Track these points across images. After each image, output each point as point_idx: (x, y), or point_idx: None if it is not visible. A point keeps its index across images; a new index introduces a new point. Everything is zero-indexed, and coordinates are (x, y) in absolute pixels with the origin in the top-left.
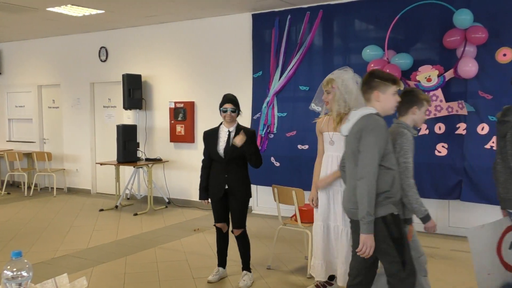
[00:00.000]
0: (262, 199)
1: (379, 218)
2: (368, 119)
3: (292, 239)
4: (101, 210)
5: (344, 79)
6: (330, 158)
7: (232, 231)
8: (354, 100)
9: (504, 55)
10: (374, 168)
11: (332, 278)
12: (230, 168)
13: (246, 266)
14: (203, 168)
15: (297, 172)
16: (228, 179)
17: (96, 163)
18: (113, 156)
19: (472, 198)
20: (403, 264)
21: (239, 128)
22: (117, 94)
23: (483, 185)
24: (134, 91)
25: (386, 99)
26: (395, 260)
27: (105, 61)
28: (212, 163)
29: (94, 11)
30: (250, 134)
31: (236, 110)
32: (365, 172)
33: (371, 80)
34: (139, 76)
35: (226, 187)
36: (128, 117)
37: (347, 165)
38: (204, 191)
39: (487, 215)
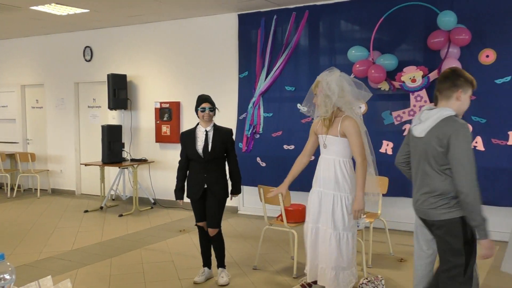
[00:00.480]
0: (248, 199)
1: (458, 218)
2: (455, 124)
3: (278, 239)
4: (86, 211)
5: (329, 81)
6: (323, 161)
7: (207, 231)
8: (338, 99)
9: (487, 56)
10: (475, 174)
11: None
12: (209, 168)
13: (221, 263)
14: (179, 169)
15: (283, 172)
16: (207, 178)
17: (81, 163)
18: (98, 156)
19: None
20: (465, 268)
21: (216, 128)
22: (102, 94)
23: None
24: (119, 91)
25: (466, 100)
26: (460, 262)
27: (89, 60)
28: (190, 164)
29: (78, 10)
30: (227, 133)
31: (213, 108)
32: (469, 180)
33: (456, 78)
34: (124, 76)
35: (205, 186)
36: (113, 118)
37: (420, 166)
38: (180, 192)
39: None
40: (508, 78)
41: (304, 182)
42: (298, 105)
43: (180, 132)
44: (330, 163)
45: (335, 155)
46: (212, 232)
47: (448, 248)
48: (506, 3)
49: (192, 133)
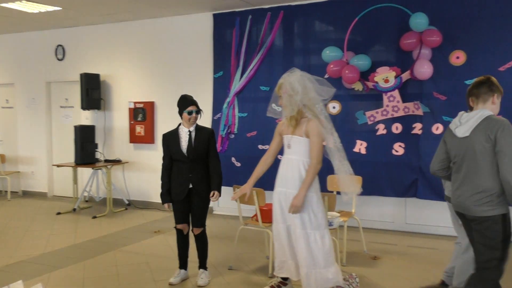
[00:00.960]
0: (223, 200)
1: (500, 215)
2: (499, 120)
3: (253, 239)
4: (58, 213)
5: (291, 81)
6: (287, 161)
7: (192, 230)
8: (302, 97)
9: (457, 57)
10: None
11: (285, 278)
12: (194, 168)
13: (203, 265)
14: (164, 171)
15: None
16: (192, 178)
17: (53, 165)
18: (70, 157)
19: (428, 196)
20: (500, 262)
21: (198, 128)
22: (75, 94)
23: (438, 183)
24: (92, 91)
25: (498, 104)
26: (496, 256)
27: (62, 59)
28: (173, 165)
29: (50, 8)
30: (209, 133)
31: (200, 111)
32: None
33: (491, 84)
34: (97, 76)
35: (190, 186)
36: (86, 118)
37: (465, 164)
38: (168, 195)
39: (442, 212)
40: None
41: None
42: (273, 105)
43: (154, 132)
44: (294, 163)
45: (300, 156)
46: (197, 231)
47: (486, 243)
48: (476, 6)
49: (175, 133)
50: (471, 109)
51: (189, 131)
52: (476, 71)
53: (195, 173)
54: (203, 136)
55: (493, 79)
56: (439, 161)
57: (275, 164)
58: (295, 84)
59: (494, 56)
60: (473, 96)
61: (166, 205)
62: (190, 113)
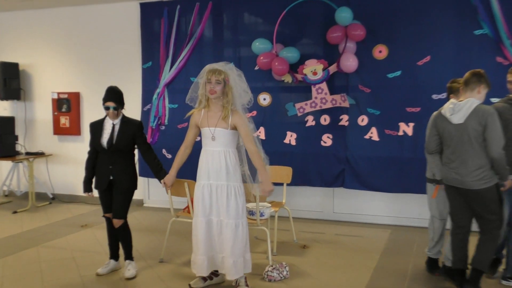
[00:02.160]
0: (153, 192)
1: (495, 185)
2: (488, 108)
3: (185, 231)
4: None
5: (236, 75)
6: (211, 153)
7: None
8: (244, 98)
9: (380, 52)
10: (503, 144)
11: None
12: (115, 159)
13: (128, 256)
14: (87, 159)
15: (189, 164)
16: (112, 170)
17: None
18: None
19: (354, 185)
20: (501, 220)
21: (124, 121)
22: None
23: (363, 173)
24: (11, 81)
25: (483, 95)
26: (498, 217)
27: None
28: (98, 155)
29: None
30: (135, 125)
31: (118, 107)
32: (500, 147)
33: (481, 77)
34: (16, 65)
35: (111, 177)
36: (5, 109)
37: (459, 147)
38: (88, 184)
39: (368, 200)
40: (399, 72)
41: None
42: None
43: (80, 124)
44: (220, 155)
45: (225, 147)
46: (116, 223)
47: (489, 209)
48: (397, 2)
49: (100, 124)
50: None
51: (113, 124)
52: (398, 65)
53: (116, 165)
54: (128, 129)
55: (484, 73)
56: (435, 144)
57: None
58: (240, 77)
59: (414, 51)
60: (463, 84)
61: (86, 194)
62: (107, 108)
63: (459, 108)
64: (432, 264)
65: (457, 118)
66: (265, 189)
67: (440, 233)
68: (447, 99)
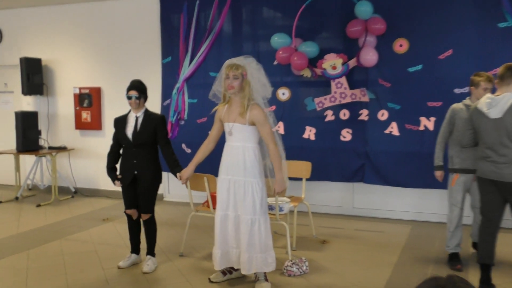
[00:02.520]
0: (173, 186)
1: None
2: None
3: (204, 226)
4: (0, 202)
5: (254, 69)
6: (230, 148)
7: (135, 219)
8: (262, 91)
9: (401, 45)
10: None
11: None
12: (139, 154)
13: (150, 251)
14: (109, 153)
15: (209, 159)
16: (136, 164)
17: None
18: (12, 144)
19: (374, 180)
20: None
21: (147, 114)
22: (15, 79)
23: (383, 168)
24: (34, 76)
25: None
26: None
27: None
28: (122, 150)
29: None
30: (157, 119)
31: (141, 96)
32: None
33: None
34: (38, 60)
35: (135, 172)
36: (28, 103)
37: (498, 141)
38: (112, 172)
39: (388, 196)
40: (420, 66)
41: None
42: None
43: (101, 118)
44: (238, 150)
45: (243, 142)
46: (144, 216)
47: None
48: None
49: (124, 118)
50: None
51: (136, 117)
52: (418, 59)
53: (139, 159)
54: (151, 122)
55: None
56: (469, 138)
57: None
58: (259, 71)
59: (435, 45)
60: (499, 79)
61: (116, 182)
62: (129, 97)
63: (496, 102)
64: (452, 258)
65: (495, 113)
66: (276, 189)
67: (456, 223)
68: (470, 92)
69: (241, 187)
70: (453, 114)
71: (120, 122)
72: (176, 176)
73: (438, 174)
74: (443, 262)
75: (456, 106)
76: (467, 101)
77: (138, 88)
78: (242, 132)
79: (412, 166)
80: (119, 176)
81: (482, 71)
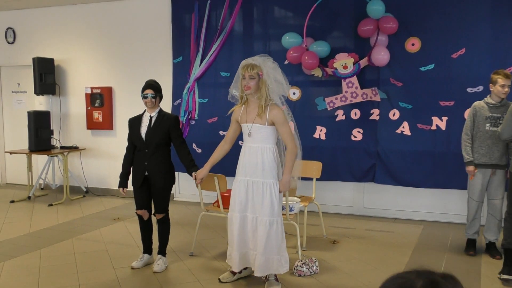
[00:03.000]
0: (184, 186)
1: None
2: None
3: (214, 225)
4: (12, 201)
5: (270, 68)
6: (248, 149)
7: (154, 214)
8: (279, 90)
9: (413, 44)
10: None
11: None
12: (151, 155)
13: (161, 251)
14: (125, 155)
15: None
16: (148, 166)
17: (5, 152)
18: (24, 144)
19: (385, 180)
20: None
21: (161, 114)
22: (28, 79)
23: (394, 168)
24: (46, 76)
25: None
26: None
27: (12, 43)
28: (135, 152)
29: None
30: (170, 119)
31: (157, 95)
32: None
33: None
34: (51, 60)
35: (146, 173)
36: (40, 103)
37: None
38: (124, 179)
39: (399, 195)
40: (432, 65)
41: None
42: (233, 91)
43: (113, 118)
44: (257, 151)
45: (261, 143)
46: (158, 216)
47: None
48: None
49: (138, 118)
50: None
51: (150, 116)
52: (431, 58)
53: (151, 161)
54: (165, 122)
55: None
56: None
57: (236, 150)
58: (276, 70)
59: (447, 44)
60: None
61: (121, 189)
62: (145, 96)
63: None
64: (468, 244)
65: None
66: (280, 188)
67: (473, 214)
68: (487, 91)
69: (260, 188)
70: (475, 112)
71: (135, 122)
72: (191, 175)
73: (470, 169)
74: (456, 263)
75: (477, 104)
76: (488, 99)
77: (154, 87)
78: (261, 133)
79: (424, 166)
80: (123, 191)
81: (500, 69)
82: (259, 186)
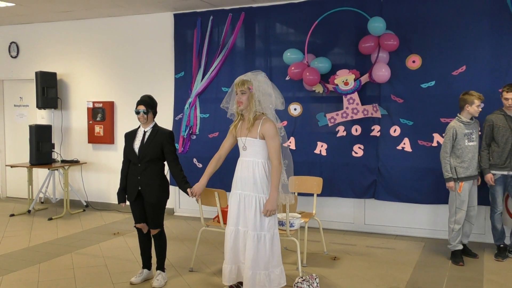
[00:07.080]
0: (184, 201)
1: None
2: None
3: (215, 241)
4: (12, 215)
5: (260, 81)
6: (241, 163)
7: (145, 233)
8: (268, 102)
9: (413, 61)
10: None
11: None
12: (143, 170)
13: (160, 266)
14: (122, 170)
15: (220, 174)
16: (140, 181)
17: (6, 165)
18: (25, 158)
19: (386, 197)
20: None
21: (156, 129)
22: (30, 93)
23: (395, 184)
24: (49, 90)
25: None
26: None
27: (16, 57)
28: (129, 166)
29: (3, 4)
30: (164, 134)
31: (149, 111)
32: None
33: None
34: (54, 74)
35: (139, 188)
36: (42, 117)
37: None
38: (121, 194)
39: (400, 212)
40: (433, 82)
41: None
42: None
43: (114, 133)
44: (249, 165)
45: (254, 157)
46: (153, 231)
47: None
48: (431, 11)
49: (133, 132)
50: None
51: (144, 131)
52: (432, 75)
53: (143, 176)
54: (158, 137)
55: None
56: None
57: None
58: (265, 84)
59: (448, 61)
60: None
61: (122, 204)
62: (137, 112)
63: None
64: (455, 255)
65: None
66: (266, 206)
67: (462, 223)
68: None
69: (250, 202)
70: (455, 132)
71: (130, 136)
72: (186, 192)
73: (451, 184)
74: (457, 280)
75: (454, 123)
76: (462, 117)
77: (146, 103)
78: (253, 146)
79: (425, 183)
80: (124, 205)
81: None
82: (250, 200)
